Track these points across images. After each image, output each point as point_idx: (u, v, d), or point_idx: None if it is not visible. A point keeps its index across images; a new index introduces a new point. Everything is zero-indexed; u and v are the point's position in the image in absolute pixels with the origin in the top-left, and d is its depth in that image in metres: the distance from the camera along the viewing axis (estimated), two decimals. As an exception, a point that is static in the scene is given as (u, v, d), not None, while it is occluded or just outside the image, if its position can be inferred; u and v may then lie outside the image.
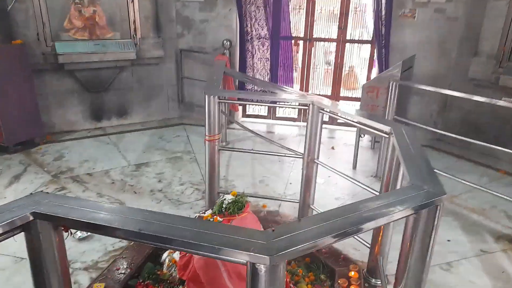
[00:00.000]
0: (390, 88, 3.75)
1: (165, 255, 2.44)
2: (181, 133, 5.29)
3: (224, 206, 2.08)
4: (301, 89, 5.82)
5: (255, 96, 3.65)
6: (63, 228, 1.27)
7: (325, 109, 2.68)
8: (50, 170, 4.08)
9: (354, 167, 4.31)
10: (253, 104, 5.76)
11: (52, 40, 4.80)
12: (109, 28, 5.13)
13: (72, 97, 5.22)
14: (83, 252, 2.74)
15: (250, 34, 5.31)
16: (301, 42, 5.66)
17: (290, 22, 5.28)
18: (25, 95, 4.55)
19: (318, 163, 2.80)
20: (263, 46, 5.36)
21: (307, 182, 2.86)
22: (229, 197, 2.11)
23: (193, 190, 3.72)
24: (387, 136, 2.15)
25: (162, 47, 5.45)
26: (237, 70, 5.54)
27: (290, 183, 3.88)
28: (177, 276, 2.24)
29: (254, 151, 3.71)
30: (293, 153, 2.96)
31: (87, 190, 3.67)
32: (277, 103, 3.50)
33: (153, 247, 2.53)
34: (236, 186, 3.81)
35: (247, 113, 6.07)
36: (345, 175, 2.71)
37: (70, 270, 2.56)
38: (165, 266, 2.35)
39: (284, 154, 3.10)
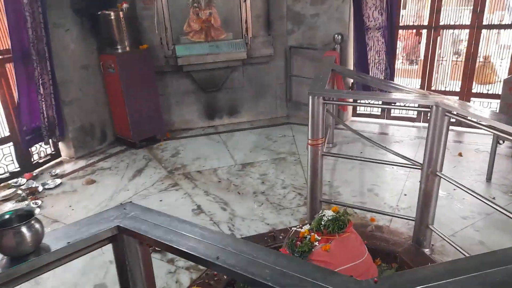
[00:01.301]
0: (544, 83, 2.99)
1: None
2: (287, 133, 5.19)
3: (323, 223, 1.86)
4: (422, 85, 5.13)
5: (365, 97, 3.29)
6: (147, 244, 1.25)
7: (452, 112, 2.23)
8: (166, 166, 4.40)
9: (489, 179, 3.57)
10: (363, 106, 5.31)
11: (173, 43, 5.15)
12: (223, 29, 5.29)
13: (189, 97, 5.56)
14: (187, 250, 2.83)
15: (366, 25, 4.88)
16: (424, 31, 5.00)
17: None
18: (150, 95, 5.01)
19: (441, 177, 2.35)
20: (381, 37, 4.87)
21: (426, 198, 2.44)
22: (329, 213, 1.88)
23: (295, 194, 3.57)
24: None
25: (271, 45, 5.41)
26: (352, 65, 5.17)
27: (405, 195, 3.42)
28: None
29: (362, 159, 3.36)
30: (409, 163, 2.55)
31: (196, 188, 3.83)
32: (392, 104, 3.08)
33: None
34: (341, 193, 3.52)
35: (357, 111, 5.64)
36: (476, 193, 2.21)
37: (174, 268, 2.67)
38: (260, 277, 2.25)
39: (398, 164, 2.71)
